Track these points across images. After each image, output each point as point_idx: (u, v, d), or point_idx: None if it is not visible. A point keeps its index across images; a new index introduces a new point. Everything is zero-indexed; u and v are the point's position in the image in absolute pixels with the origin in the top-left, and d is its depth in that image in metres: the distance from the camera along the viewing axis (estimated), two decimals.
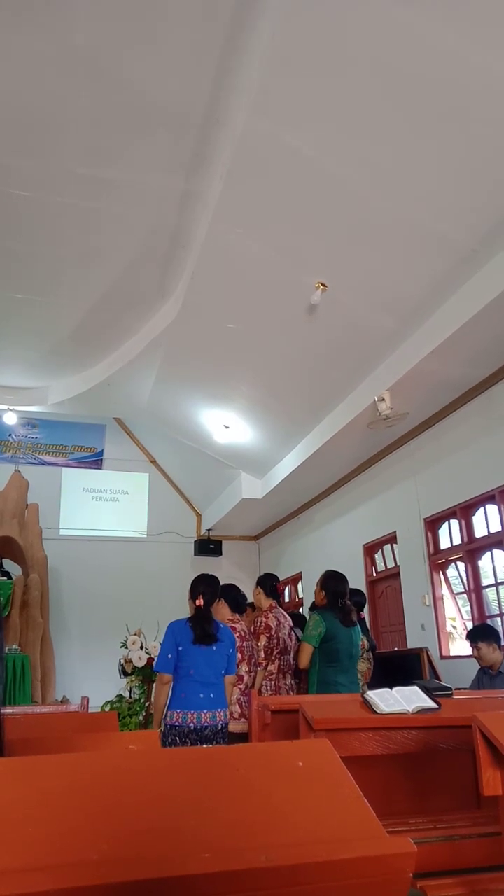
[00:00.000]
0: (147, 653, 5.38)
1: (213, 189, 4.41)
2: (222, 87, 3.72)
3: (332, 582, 4.12)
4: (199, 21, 3.33)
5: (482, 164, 3.63)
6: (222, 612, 4.19)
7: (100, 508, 10.38)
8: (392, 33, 3.07)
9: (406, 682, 2.34)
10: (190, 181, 4.47)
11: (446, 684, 2.71)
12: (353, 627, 4.01)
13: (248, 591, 4.85)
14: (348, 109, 3.53)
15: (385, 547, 7.21)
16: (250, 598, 5.00)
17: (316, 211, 4.26)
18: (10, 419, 8.84)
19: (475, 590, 5.62)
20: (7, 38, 3.42)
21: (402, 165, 3.76)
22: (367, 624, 5.82)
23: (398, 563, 6.75)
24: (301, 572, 9.18)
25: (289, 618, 4.64)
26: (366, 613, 6.21)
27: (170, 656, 3.38)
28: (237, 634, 4.15)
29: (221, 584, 3.96)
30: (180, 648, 3.38)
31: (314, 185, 4.06)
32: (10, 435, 9.96)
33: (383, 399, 5.42)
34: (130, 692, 5.49)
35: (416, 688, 2.28)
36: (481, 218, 3.95)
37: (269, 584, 4.66)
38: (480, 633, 4.31)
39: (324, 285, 4.80)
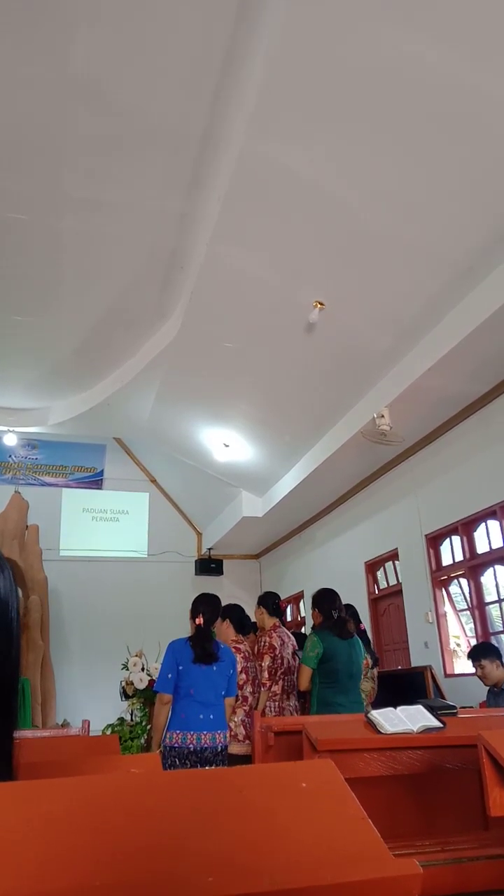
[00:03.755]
0: (148, 674, 5.32)
1: (211, 210, 4.46)
2: (219, 110, 3.78)
3: (323, 599, 4.12)
4: (196, 44, 3.40)
5: (476, 182, 3.68)
6: (227, 632, 4.16)
7: (100, 529, 10.35)
8: (387, 54, 3.13)
9: (410, 701, 2.31)
10: (188, 202, 4.53)
11: (451, 703, 2.69)
12: (352, 640, 3.98)
13: (251, 611, 4.81)
14: (344, 130, 3.58)
15: (387, 564, 7.17)
16: (252, 618, 4.95)
17: (313, 230, 4.31)
18: (11, 440, 8.85)
19: (478, 606, 5.59)
20: (6, 62, 3.48)
21: (397, 184, 3.81)
22: (370, 637, 5.75)
23: (400, 581, 6.72)
24: (303, 591, 9.12)
25: (292, 637, 4.60)
26: (368, 631, 6.16)
27: (170, 676, 3.35)
28: (241, 655, 4.11)
29: (224, 604, 3.94)
30: (180, 668, 3.35)
31: (311, 205, 4.11)
32: (10, 456, 9.96)
33: (382, 416, 5.44)
34: (132, 715, 5.42)
35: (420, 707, 2.26)
36: (477, 235, 3.99)
37: (270, 602, 4.62)
38: (482, 651, 4.27)
39: (321, 304, 4.83)
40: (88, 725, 3.13)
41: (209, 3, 3.18)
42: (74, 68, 3.50)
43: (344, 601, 4.23)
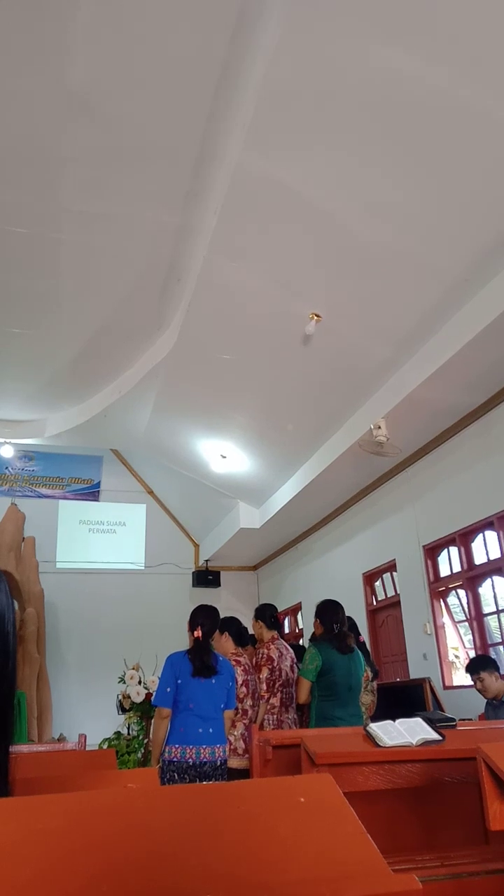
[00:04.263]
0: (145, 688, 5.29)
1: (208, 222, 4.49)
2: (216, 122, 3.82)
3: (325, 611, 4.10)
4: (193, 57, 3.43)
5: (472, 194, 3.72)
6: (226, 645, 4.13)
7: (97, 540, 10.32)
8: (380, 70, 3.17)
9: (409, 714, 2.30)
10: (185, 215, 4.56)
11: (450, 715, 2.67)
12: (352, 654, 3.95)
13: (249, 622, 4.79)
14: (339, 144, 3.62)
15: (385, 575, 7.16)
16: (250, 630, 4.92)
17: (309, 242, 4.34)
18: (7, 452, 8.83)
19: (476, 617, 5.58)
20: (5, 78, 3.51)
21: (392, 196, 3.84)
22: (368, 649, 5.72)
23: (398, 592, 6.70)
24: (301, 602, 9.09)
25: (291, 650, 4.57)
26: (367, 643, 6.13)
27: (168, 689, 3.32)
28: (241, 668, 4.08)
29: (222, 616, 3.91)
30: (179, 681, 3.33)
31: (306, 218, 4.14)
32: (6, 468, 9.95)
33: (379, 427, 5.45)
34: (129, 729, 5.39)
35: (419, 719, 2.25)
36: (473, 246, 4.02)
37: (268, 615, 4.59)
38: (480, 664, 4.24)
39: (318, 316, 4.85)
40: (85, 740, 3.09)
41: (207, 17, 3.21)
42: (71, 81, 3.53)
43: None
